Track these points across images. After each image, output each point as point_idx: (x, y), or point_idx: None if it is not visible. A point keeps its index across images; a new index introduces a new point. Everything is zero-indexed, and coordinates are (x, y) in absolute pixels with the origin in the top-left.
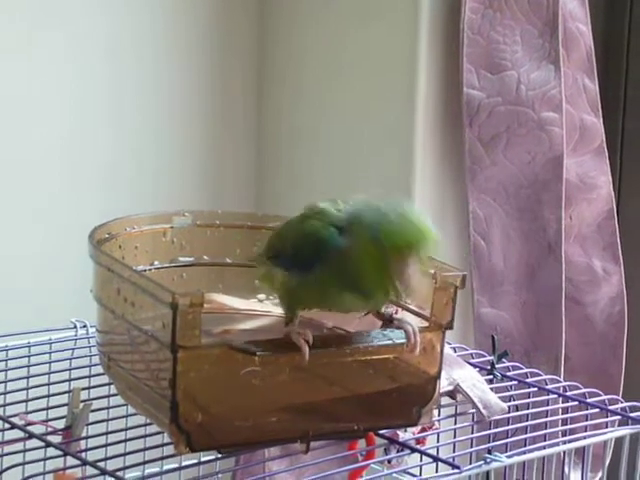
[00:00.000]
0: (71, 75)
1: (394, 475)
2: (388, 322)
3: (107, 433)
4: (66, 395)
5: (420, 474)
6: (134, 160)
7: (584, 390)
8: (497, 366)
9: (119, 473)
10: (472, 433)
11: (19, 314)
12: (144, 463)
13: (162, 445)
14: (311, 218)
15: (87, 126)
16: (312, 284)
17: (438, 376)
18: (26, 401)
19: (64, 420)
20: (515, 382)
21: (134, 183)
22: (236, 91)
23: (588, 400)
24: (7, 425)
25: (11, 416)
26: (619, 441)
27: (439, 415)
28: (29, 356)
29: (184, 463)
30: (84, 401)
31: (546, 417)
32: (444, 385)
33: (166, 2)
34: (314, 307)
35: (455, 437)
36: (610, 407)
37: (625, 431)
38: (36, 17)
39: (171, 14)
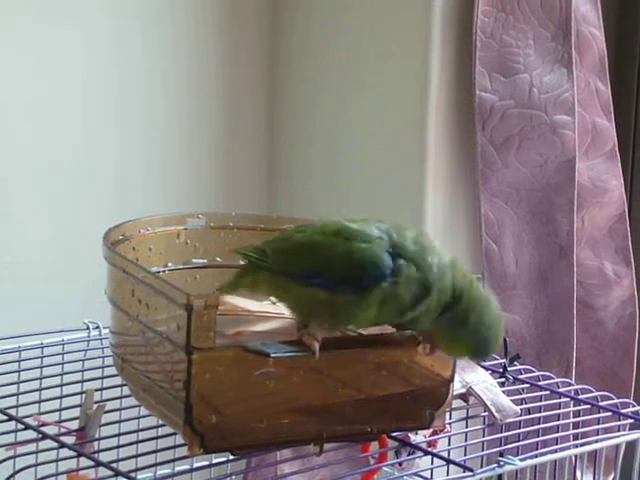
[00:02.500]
0: (81, 78)
1: (406, 478)
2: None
3: (119, 434)
4: (79, 396)
5: (432, 477)
6: (146, 162)
7: (596, 393)
8: (509, 369)
9: (132, 474)
10: (484, 436)
11: (32, 315)
12: (156, 465)
13: (174, 447)
14: (355, 240)
15: (98, 128)
16: (360, 306)
17: (451, 379)
18: (39, 402)
19: (77, 421)
20: (527, 385)
21: (146, 185)
22: (248, 92)
23: (600, 403)
24: (20, 426)
25: (24, 417)
26: (630, 445)
27: (451, 418)
28: (42, 357)
29: (196, 465)
30: (97, 402)
31: (558, 420)
32: (457, 388)
33: (177, 4)
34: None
35: (467, 440)
36: (622, 411)
37: (637, 435)
38: (44, 19)
39: (182, 16)
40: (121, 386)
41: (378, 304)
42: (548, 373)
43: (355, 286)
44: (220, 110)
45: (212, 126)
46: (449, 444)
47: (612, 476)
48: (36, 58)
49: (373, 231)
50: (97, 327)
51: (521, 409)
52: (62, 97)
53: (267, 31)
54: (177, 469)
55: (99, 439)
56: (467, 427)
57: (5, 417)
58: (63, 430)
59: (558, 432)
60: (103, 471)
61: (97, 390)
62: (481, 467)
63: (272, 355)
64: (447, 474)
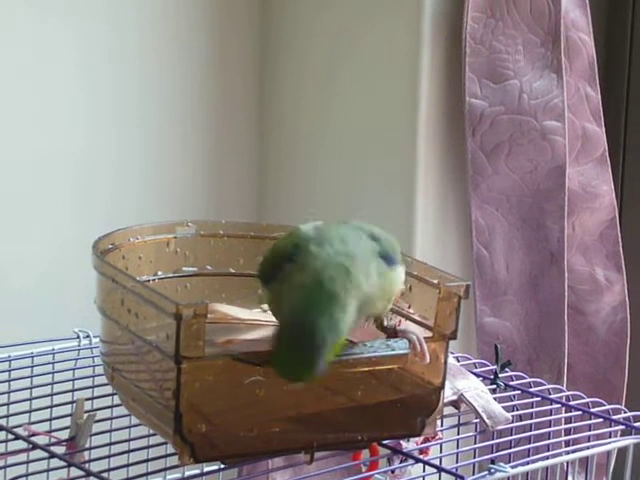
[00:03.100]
0: (75, 80)
1: None
2: (392, 334)
3: (110, 444)
4: (69, 406)
5: None
6: (137, 171)
7: (587, 400)
8: (500, 376)
9: None
10: (475, 443)
11: (22, 324)
12: (147, 474)
13: (165, 456)
14: (287, 237)
15: (90, 137)
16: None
17: (442, 386)
18: (29, 412)
19: (68, 431)
20: (518, 392)
21: (137, 194)
22: (238, 100)
23: (591, 410)
24: (10, 436)
25: (14, 427)
26: (622, 451)
27: (442, 425)
28: (32, 366)
29: (187, 474)
30: (88, 412)
31: (549, 427)
32: (448, 395)
33: (168, 7)
34: None
35: (458, 447)
36: (613, 417)
37: (629, 441)
38: (38, 20)
39: (173, 20)
40: (112, 395)
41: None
42: (539, 379)
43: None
44: (210, 117)
45: (202, 134)
46: (440, 451)
47: None
48: (30, 61)
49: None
50: (87, 336)
51: (512, 416)
52: (56, 101)
53: (257, 37)
54: (168, 478)
55: (90, 449)
56: (458, 434)
57: None
58: (53, 440)
59: (550, 439)
60: None
61: (87, 399)
62: (473, 474)
63: (262, 364)
64: None
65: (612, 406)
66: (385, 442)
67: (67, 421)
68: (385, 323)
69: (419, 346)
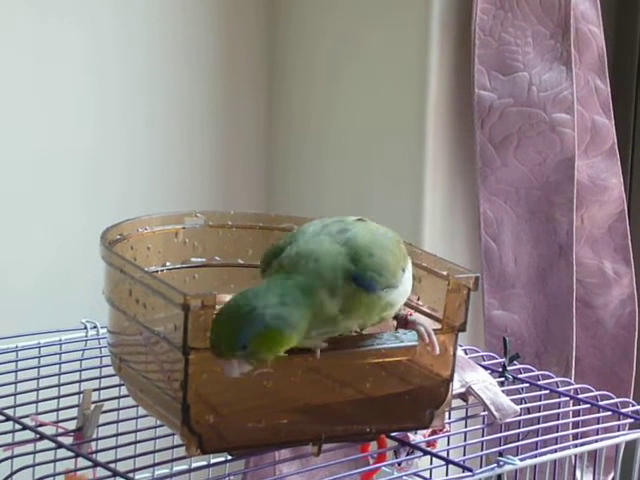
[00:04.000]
0: (82, 77)
1: (405, 478)
2: (403, 324)
3: (117, 435)
4: (76, 396)
5: (431, 477)
6: (145, 162)
7: (596, 393)
8: (508, 368)
9: (130, 475)
10: (483, 436)
11: (30, 315)
12: (154, 465)
13: (172, 447)
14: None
15: (98, 129)
16: None
17: (451, 378)
18: (36, 402)
19: (75, 421)
20: (526, 384)
21: (146, 185)
22: (246, 92)
23: (600, 403)
24: (18, 426)
25: (22, 417)
26: (630, 444)
27: (450, 417)
28: (39, 357)
29: (194, 465)
30: (95, 402)
31: (557, 420)
32: (456, 387)
33: (176, 5)
34: None
35: (466, 440)
36: (622, 410)
37: (637, 434)
38: (46, 18)
39: (181, 16)
40: (119, 386)
41: None
42: (547, 372)
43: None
44: (218, 109)
45: (210, 125)
46: (448, 444)
47: (612, 475)
48: (37, 58)
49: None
50: (95, 327)
51: (520, 408)
52: (63, 97)
53: (266, 30)
54: (175, 469)
55: (97, 439)
56: (466, 427)
57: (2, 417)
58: (61, 430)
59: (558, 432)
60: (101, 471)
61: (95, 390)
62: (480, 467)
63: None
64: (446, 474)
65: (620, 399)
66: (393, 434)
67: (74, 412)
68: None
69: (427, 337)
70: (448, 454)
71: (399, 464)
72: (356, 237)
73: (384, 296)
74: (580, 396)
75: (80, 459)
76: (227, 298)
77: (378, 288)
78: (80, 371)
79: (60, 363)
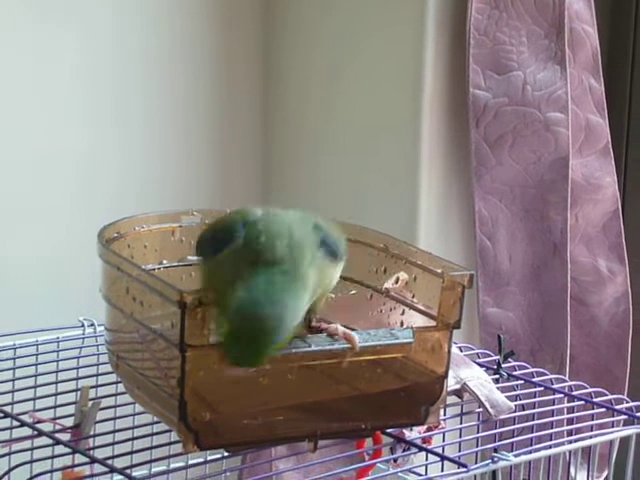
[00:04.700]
0: (78, 77)
1: (400, 474)
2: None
3: (114, 431)
4: (74, 393)
5: (426, 473)
6: (142, 160)
7: (590, 390)
8: (503, 365)
9: (127, 471)
10: (478, 432)
11: (27, 313)
12: (151, 461)
13: (169, 444)
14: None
15: (95, 127)
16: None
17: (445, 375)
18: (34, 399)
19: (72, 418)
20: (521, 382)
21: (142, 183)
22: (243, 91)
23: (594, 400)
24: (15, 423)
25: (20, 414)
26: (624, 441)
27: (445, 414)
28: (37, 354)
29: (191, 462)
30: (92, 399)
31: (552, 416)
32: (451, 384)
33: (172, 5)
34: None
35: (461, 436)
36: (616, 407)
37: (631, 431)
38: (42, 19)
39: (177, 16)
40: (116, 383)
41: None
42: (542, 370)
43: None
44: (215, 108)
45: (207, 124)
46: (443, 440)
47: (606, 472)
48: (34, 59)
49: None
50: (92, 325)
51: (515, 405)
52: (59, 96)
53: (261, 32)
54: (172, 466)
55: (94, 436)
56: (461, 423)
57: (0, 414)
58: (58, 427)
59: (552, 428)
60: (98, 468)
61: (92, 387)
62: (475, 463)
63: None
64: (442, 470)
65: (615, 396)
66: (388, 431)
67: (71, 409)
68: (312, 323)
69: (342, 335)
70: (443, 450)
71: (395, 460)
72: (304, 213)
73: (340, 268)
74: (574, 393)
75: (77, 455)
76: None
77: (340, 255)
78: (77, 369)
79: (58, 361)
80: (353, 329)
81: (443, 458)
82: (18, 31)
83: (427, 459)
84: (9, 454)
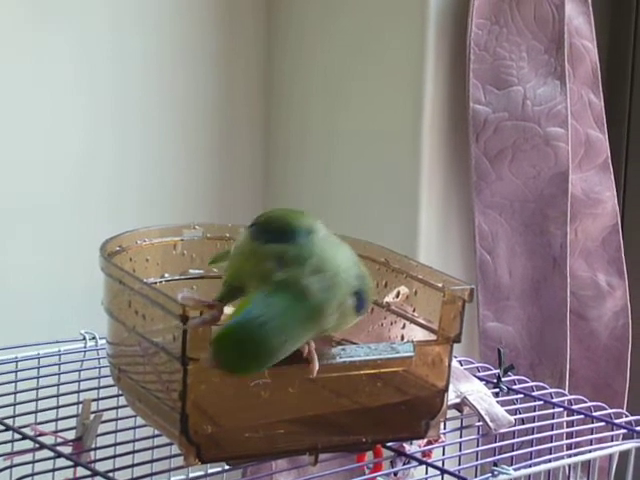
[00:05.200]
0: (76, 84)
1: None
2: None
3: (116, 444)
4: (75, 406)
5: None
6: (142, 172)
7: (589, 404)
8: (503, 379)
9: None
10: (478, 446)
11: (29, 326)
12: (152, 475)
13: (170, 457)
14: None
15: (94, 130)
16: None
17: (446, 389)
18: (36, 412)
19: (74, 431)
20: (521, 395)
21: (142, 197)
22: (243, 104)
23: (593, 414)
24: (17, 436)
25: (21, 427)
26: (623, 455)
27: (445, 428)
28: (39, 367)
29: (191, 475)
30: (94, 412)
31: (552, 430)
32: (451, 398)
33: (173, 8)
34: None
35: (461, 450)
36: (615, 421)
37: (630, 445)
38: (40, 24)
39: (177, 17)
40: (117, 396)
41: None
42: (542, 383)
43: None
44: (215, 120)
45: (207, 135)
46: (443, 454)
47: None
48: (32, 65)
49: None
50: (93, 338)
51: (515, 419)
52: (58, 103)
53: (263, 39)
54: (173, 479)
55: (95, 449)
56: (461, 437)
57: (2, 427)
58: (60, 440)
59: (552, 442)
60: None
61: (93, 400)
62: (475, 477)
63: None
64: None
65: (614, 410)
66: (389, 444)
67: (72, 422)
68: None
69: (306, 354)
70: (443, 464)
71: (395, 474)
72: (363, 268)
73: (358, 319)
74: (574, 407)
75: (79, 468)
76: (225, 309)
77: (364, 310)
78: (79, 381)
79: (59, 374)
80: (354, 343)
81: (443, 472)
82: (17, 32)
83: (427, 473)
84: (11, 467)
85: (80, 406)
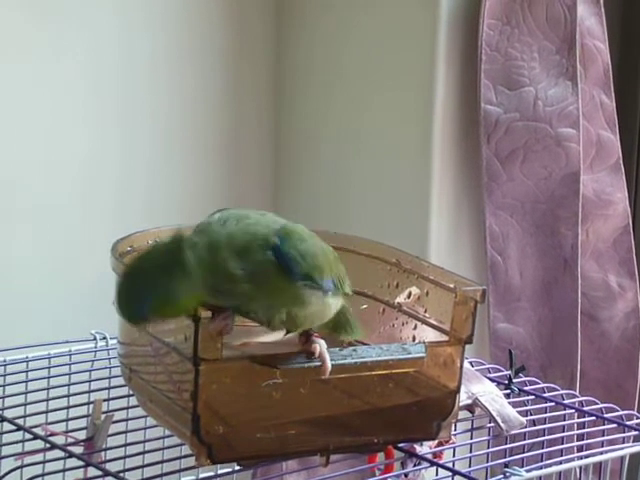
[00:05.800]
0: (83, 78)
1: None
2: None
3: (126, 445)
4: (86, 406)
5: None
6: (149, 173)
7: (601, 405)
8: (514, 381)
9: None
10: (489, 447)
11: (40, 326)
12: (162, 475)
13: (180, 457)
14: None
15: (101, 129)
16: None
17: (458, 390)
18: (47, 412)
19: (85, 431)
20: (532, 397)
21: (150, 196)
22: (254, 103)
23: (605, 415)
24: (28, 436)
25: (32, 427)
26: (635, 456)
27: (456, 429)
28: (49, 367)
29: (202, 476)
30: (105, 412)
31: (563, 432)
32: (463, 399)
33: (181, 6)
34: None
35: (472, 451)
36: (627, 422)
37: None
38: (48, 24)
39: (184, 16)
40: (128, 396)
41: None
42: (553, 385)
43: None
44: (224, 119)
45: (216, 135)
46: (454, 455)
47: None
48: (38, 64)
49: None
50: (104, 338)
51: (526, 420)
52: (65, 103)
53: (272, 38)
54: (183, 479)
55: (106, 449)
56: (472, 438)
57: (13, 427)
58: (71, 440)
59: (563, 443)
60: None
61: (104, 400)
62: (486, 478)
63: (279, 366)
64: None
65: (625, 412)
66: (400, 445)
67: (83, 422)
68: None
69: (318, 355)
70: (454, 465)
71: (405, 475)
72: (295, 226)
73: (303, 291)
74: (585, 408)
75: (90, 468)
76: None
77: (297, 272)
78: (89, 382)
79: (70, 374)
80: (365, 344)
81: (454, 473)
82: (21, 31)
83: (438, 474)
84: (22, 467)
85: (91, 406)
